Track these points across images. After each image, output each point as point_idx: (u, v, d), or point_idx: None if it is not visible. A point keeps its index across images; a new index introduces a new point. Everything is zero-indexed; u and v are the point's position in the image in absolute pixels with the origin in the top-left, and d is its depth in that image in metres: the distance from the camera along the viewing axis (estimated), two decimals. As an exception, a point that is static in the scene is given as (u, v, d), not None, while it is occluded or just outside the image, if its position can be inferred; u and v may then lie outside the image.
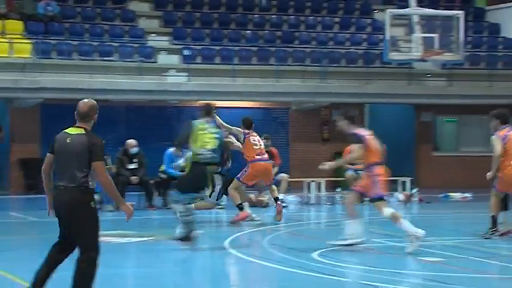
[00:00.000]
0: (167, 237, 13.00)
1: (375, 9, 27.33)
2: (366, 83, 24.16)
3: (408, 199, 20.03)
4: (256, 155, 15.52)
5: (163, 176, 18.20)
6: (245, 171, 15.46)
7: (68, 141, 7.80)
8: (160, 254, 12.34)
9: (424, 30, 21.28)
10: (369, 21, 27.04)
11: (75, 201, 7.71)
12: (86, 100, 7.97)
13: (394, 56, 21.36)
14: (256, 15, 26.42)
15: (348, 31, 26.55)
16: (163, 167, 18.24)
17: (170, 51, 24.35)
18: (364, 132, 12.14)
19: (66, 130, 7.90)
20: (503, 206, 13.87)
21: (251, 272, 11.18)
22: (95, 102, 7.97)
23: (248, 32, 25.65)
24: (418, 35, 21.02)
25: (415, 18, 21.21)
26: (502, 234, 13.49)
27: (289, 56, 24.72)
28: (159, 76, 23.35)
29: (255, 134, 15.85)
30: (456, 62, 22.17)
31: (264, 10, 26.75)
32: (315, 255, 11.83)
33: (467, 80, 24.90)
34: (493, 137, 13.15)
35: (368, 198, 12.35)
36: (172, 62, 23.94)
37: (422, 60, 21.16)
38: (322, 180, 21.36)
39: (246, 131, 15.68)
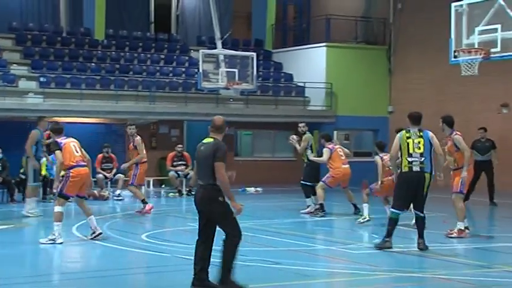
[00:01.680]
0: (25, 225, 12.52)
1: (191, 49, 27.49)
2: (185, 105, 24.22)
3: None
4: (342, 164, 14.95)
5: (22, 176, 17.54)
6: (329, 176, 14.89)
7: (201, 148, 7.69)
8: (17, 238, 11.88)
9: (228, 66, 21.52)
10: (186, 58, 27.14)
11: (208, 197, 7.52)
12: (220, 116, 7.94)
13: (206, 84, 21.47)
14: (99, 51, 25.97)
15: (171, 65, 26.54)
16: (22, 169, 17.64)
17: (29, 78, 23.54)
18: None
19: (203, 141, 7.80)
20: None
21: (93, 251, 10.95)
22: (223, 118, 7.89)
23: (93, 64, 25.17)
24: (223, 69, 21.23)
25: (221, 57, 21.44)
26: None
27: (125, 83, 24.42)
28: (20, 98, 22.53)
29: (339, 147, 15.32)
30: (251, 90, 22.56)
31: (105, 47, 26.33)
32: (143, 236, 11.75)
33: (259, 104, 25.47)
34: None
35: None
36: (31, 87, 23.15)
37: (226, 88, 21.36)
38: (151, 179, 21.26)
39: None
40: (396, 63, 26.84)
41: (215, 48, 21.78)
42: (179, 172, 20.22)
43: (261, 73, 25.67)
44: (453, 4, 14.49)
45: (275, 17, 29.26)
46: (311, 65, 26.66)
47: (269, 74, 27.39)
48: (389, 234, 10.38)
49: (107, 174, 19.45)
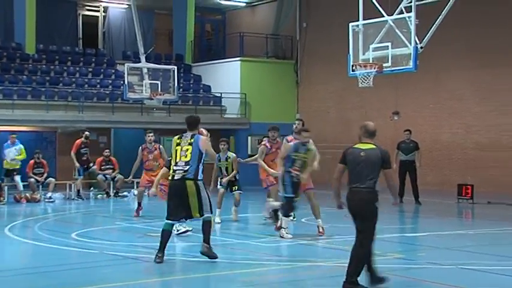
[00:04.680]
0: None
1: (117, 63, 27.09)
2: (112, 113, 23.84)
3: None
4: None
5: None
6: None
7: (362, 154, 7.07)
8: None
9: (151, 78, 21.29)
10: (113, 71, 26.72)
11: (366, 200, 6.99)
12: (371, 122, 7.39)
13: (131, 95, 21.17)
14: (30, 65, 25.24)
15: (98, 77, 26.07)
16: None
17: (-36, 90, 22.64)
18: None
19: (356, 146, 7.21)
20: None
21: (24, 251, 10.66)
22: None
23: (24, 76, 24.43)
24: (147, 81, 20.99)
25: (145, 70, 21.21)
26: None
27: (55, 94, 23.80)
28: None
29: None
30: (172, 100, 22.42)
31: (36, 61, 25.63)
32: (73, 235, 11.53)
33: (180, 113, 25.21)
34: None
35: None
36: (-35, 98, 22.27)
37: (150, 98, 21.11)
38: (79, 182, 20.80)
39: None
40: (302, 76, 27.26)
41: (139, 62, 21.54)
42: (107, 175, 19.90)
43: (181, 85, 25.57)
44: (351, 24, 14.84)
45: (194, 34, 29.22)
46: (227, 77, 26.77)
47: (189, 86, 27.32)
48: (162, 247, 8.83)
49: (38, 178, 18.96)
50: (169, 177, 9.06)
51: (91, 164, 19.70)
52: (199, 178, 8.85)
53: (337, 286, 7.43)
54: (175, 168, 8.89)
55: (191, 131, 9.13)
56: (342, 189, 7.30)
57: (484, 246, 9.98)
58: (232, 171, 13.58)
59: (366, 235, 7.03)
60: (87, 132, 19.97)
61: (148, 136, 14.82)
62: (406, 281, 7.38)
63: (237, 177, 13.73)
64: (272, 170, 12.18)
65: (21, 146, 18.88)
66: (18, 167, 18.71)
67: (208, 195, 8.94)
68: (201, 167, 8.90)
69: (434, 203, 17.46)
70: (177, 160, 8.90)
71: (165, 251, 8.87)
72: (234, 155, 13.87)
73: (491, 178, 20.56)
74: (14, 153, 18.65)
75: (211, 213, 8.98)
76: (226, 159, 13.60)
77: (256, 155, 13.51)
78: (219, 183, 13.63)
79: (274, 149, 12.67)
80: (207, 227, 8.85)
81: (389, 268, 8.60)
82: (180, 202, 8.83)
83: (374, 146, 7.19)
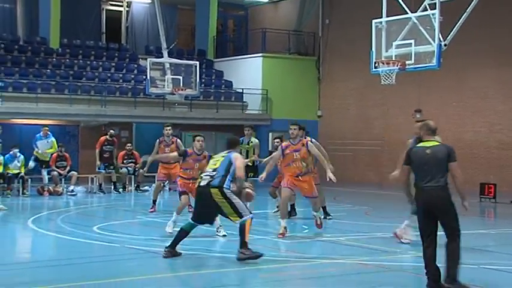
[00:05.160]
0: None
1: (140, 58, 27.21)
2: (134, 108, 23.98)
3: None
4: None
5: None
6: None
7: (427, 152, 7.03)
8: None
9: (173, 73, 21.39)
10: (135, 65, 26.86)
11: (443, 197, 6.96)
12: (431, 120, 7.29)
13: (153, 90, 21.29)
14: (54, 59, 25.45)
15: (121, 72, 26.22)
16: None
17: (-12, 83, 22.93)
18: None
19: (419, 145, 7.18)
20: None
21: (47, 243, 10.76)
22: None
23: (48, 70, 24.64)
24: (169, 76, 21.09)
25: (167, 65, 21.30)
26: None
27: (78, 88, 23.99)
28: (-20, 101, 21.92)
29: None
30: (194, 96, 22.51)
31: (60, 55, 25.83)
32: (95, 228, 11.61)
33: (202, 108, 25.41)
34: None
35: None
36: (-10, 91, 22.53)
37: (172, 93, 21.22)
38: (101, 176, 20.94)
39: None
40: (324, 73, 27.17)
41: (162, 57, 21.63)
42: (129, 169, 20.02)
43: (203, 80, 25.64)
44: (374, 21, 14.75)
45: (216, 30, 29.25)
46: (249, 73, 26.76)
47: (211, 81, 27.36)
48: (173, 244, 8.90)
49: (61, 172, 19.12)
50: (196, 184, 9.10)
51: (114, 162, 19.69)
52: (225, 186, 8.71)
53: (360, 283, 7.40)
54: (202, 175, 8.94)
55: (228, 149, 9.09)
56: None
57: (506, 246, 9.86)
58: (253, 155, 14.00)
59: (453, 230, 7.01)
60: (112, 131, 20.07)
61: (166, 129, 14.85)
62: (420, 278, 7.32)
63: (256, 164, 14.15)
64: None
65: (53, 139, 19.15)
66: (48, 159, 18.91)
67: (239, 199, 8.77)
68: (229, 177, 8.76)
69: (456, 202, 17.32)
70: (207, 168, 8.99)
71: (177, 248, 8.83)
72: (257, 140, 14.43)
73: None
74: (46, 145, 18.90)
75: (250, 214, 8.78)
76: (248, 143, 14.19)
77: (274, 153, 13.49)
78: None
79: (289, 150, 11.57)
80: (242, 230, 8.67)
81: (411, 266, 8.55)
82: (205, 209, 8.80)
83: (438, 143, 7.18)
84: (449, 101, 22.77)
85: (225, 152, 9.06)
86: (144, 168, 15.93)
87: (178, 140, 15.09)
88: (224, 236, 10.60)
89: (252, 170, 14.19)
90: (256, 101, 26.18)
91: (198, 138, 11.29)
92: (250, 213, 8.78)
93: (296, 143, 11.21)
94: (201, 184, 8.80)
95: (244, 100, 26.44)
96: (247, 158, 13.97)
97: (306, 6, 27.35)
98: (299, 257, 9.21)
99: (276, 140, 14.12)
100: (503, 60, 21.33)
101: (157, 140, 15.01)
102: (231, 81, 27.48)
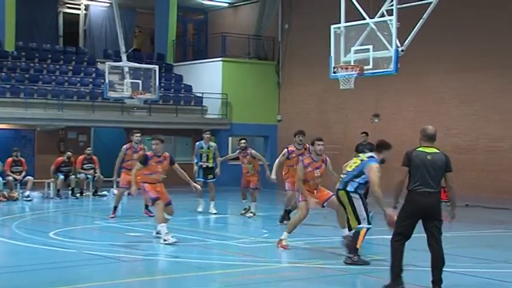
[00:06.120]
0: None
1: (98, 61, 26.95)
2: (92, 112, 23.72)
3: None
4: None
5: None
6: None
7: (428, 157, 7.14)
8: None
9: (132, 77, 21.22)
10: (94, 69, 26.57)
11: (437, 203, 7.15)
12: (431, 126, 7.34)
13: (112, 94, 21.07)
14: (9, 62, 25.02)
15: (78, 76, 25.91)
16: None
17: None
18: None
19: (420, 149, 7.21)
20: None
21: (1, 249, 10.55)
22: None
23: (3, 73, 24.20)
24: (128, 80, 20.92)
25: (126, 69, 21.12)
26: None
27: (35, 92, 23.62)
28: None
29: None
30: (153, 100, 22.35)
31: (15, 58, 25.41)
32: (51, 234, 11.44)
33: (161, 112, 25.27)
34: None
35: None
36: None
37: (131, 97, 21.03)
38: (58, 181, 20.64)
39: None
40: (284, 77, 27.32)
41: (120, 60, 21.45)
42: (88, 175, 19.78)
43: (162, 84, 25.49)
44: (332, 26, 14.89)
45: (176, 34, 29.15)
46: (208, 77, 26.73)
47: (170, 85, 27.25)
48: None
49: (17, 177, 18.80)
50: None
51: (72, 176, 19.41)
52: (350, 190, 8.96)
53: (319, 287, 7.46)
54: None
55: (374, 151, 9.08)
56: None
57: (461, 249, 10.06)
58: (213, 159, 14.99)
59: (439, 233, 7.23)
60: (69, 153, 19.77)
61: (136, 136, 14.89)
62: (381, 281, 7.42)
63: (214, 166, 15.13)
64: (272, 174, 12.68)
65: None
66: None
67: (364, 205, 8.93)
68: (356, 183, 8.95)
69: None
70: (346, 168, 9.28)
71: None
72: (215, 144, 15.45)
73: (469, 181, 20.74)
74: None
75: (368, 224, 8.98)
76: (209, 148, 15.14)
77: (234, 154, 15.18)
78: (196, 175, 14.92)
79: (295, 154, 12.52)
80: (355, 236, 8.90)
81: (370, 269, 8.65)
82: (343, 211, 9.32)
83: (438, 150, 7.29)
84: (406, 106, 23.12)
85: (368, 155, 9.00)
86: (115, 177, 15.56)
87: (145, 147, 15.01)
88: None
89: (211, 172, 15.10)
90: (216, 106, 26.17)
91: (152, 142, 11.11)
92: (369, 223, 9.00)
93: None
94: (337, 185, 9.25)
95: (203, 104, 26.40)
96: (207, 161, 15.08)
97: (266, 11, 27.47)
98: (258, 262, 9.23)
99: (242, 141, 14.66)
100: (459, 65, 21.77)
101: (124, 147, 14.98)
102: (191, 86, 27.42)
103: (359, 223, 8.92)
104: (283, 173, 12.92)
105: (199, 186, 11.36)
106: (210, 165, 15.13)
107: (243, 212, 14.53)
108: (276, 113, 27.34)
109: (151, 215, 12.86)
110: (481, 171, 21.02)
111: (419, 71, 22.26)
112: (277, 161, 12.88)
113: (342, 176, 9.20)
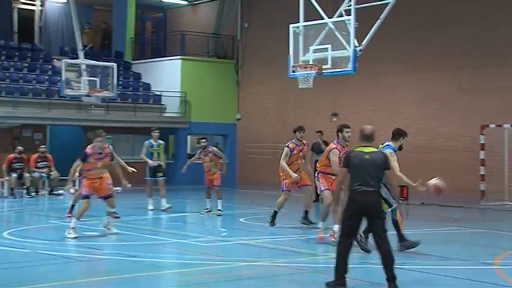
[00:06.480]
0: None
1: (54, 58, 26.55)
2: (48, 110, 23.35)
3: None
4: None
5: None
6: None
7: (366, 157, 7.21)
8: None
9: (90, 74, 20.98)
10: (50, 66, 26.18)
11: (377, 201, 7.29)
12: (369, 126, 7.45)
13: (68, 92, 20.83)
14: (-38, 58, 24.54)
15: (34, 73, 25.49)
16: None
17: None
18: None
19: (358, 149, 7.29)
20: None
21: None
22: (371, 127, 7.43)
23: (-44, 70, 23.74)
24: (85, 78, 20.68)
25: (83, 67, 20.88)
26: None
27: (-12, 89, 23.21)
28: None
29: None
30: (111, 98, 22.14)
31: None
32: (5, 234, 11.24)
33: (119, 110, 25.04)
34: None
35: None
36: None
37: (88, 95, 20.83)
38: (12, 179, 20.27)
39: None
40: (243, 76, 27.35)
41: (77, 58, 21.19)
42: (43, 174, 19.48)
43: (121, 82, 25.29)
44: (291, 25, 14.96)
45: (134, 31, 28.91)
46: (167, 75, 26.59)
47: (128, 83, 27.03)
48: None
49: (-30, 176, 18.41)
50: None
51: (26, 174, 19.12)
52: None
53: (275, 285, 7.49)
54: None
55: (391, 139, 9.85)
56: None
57: (417, 247, 10.20)
58: (165, 157, 15.82)
59: (385, 231, 7.37)
60: (20, 147, 19.44)
61: (155, 133, 15.65)
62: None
63: (163, 164, 15.56)
64: (293, 173, 11.87)
65: None
66: None
67: (389, 190, 8.82)
68: None
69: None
70: None
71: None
72: (163, 142, 15.77)
73: (425, 180, 20.99)
74: None
75: (397, 203, 9.45)
76: (158, 146, 15.52)
77: (196, 155, 14.99)
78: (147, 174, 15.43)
79: (296, 151, 12.09)
80: (395, 225, 9.46)
81: (326, 267, 8.73)
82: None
83: (376, 149, 7.44)
84: (364, 105, 23.38)
85: (383, 144, 9.47)
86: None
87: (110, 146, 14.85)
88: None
89: (161, 170, 15.49)
90: (174, 104, 26.05)
91: (96, 139, 11.38)
92: (397, 202, 9.50)
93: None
94: None
95: (162, 103, 26.26)
96: (158, 159, 15.48)
97: (225, 9, 27.45)
98: (216, 260, 9.23)
99: (202, 140, 14.82)
100: (417, 65, 22.11)
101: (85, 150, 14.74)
102: (149, 84, 27.24)
103: (390, 206, 9.31)
104: (280, 173, 12.25)
105: (128, 184, 11.46)
106: (161, 163, 15.58)
107: (204, 211, 14.52)
108: (235, 111, 27.36)
109: (116, 216, 12.77)
110: (437, 170, 21.29)
111: (377, 71, 22.54)
112: (282, 162, 12.01)
113: None
